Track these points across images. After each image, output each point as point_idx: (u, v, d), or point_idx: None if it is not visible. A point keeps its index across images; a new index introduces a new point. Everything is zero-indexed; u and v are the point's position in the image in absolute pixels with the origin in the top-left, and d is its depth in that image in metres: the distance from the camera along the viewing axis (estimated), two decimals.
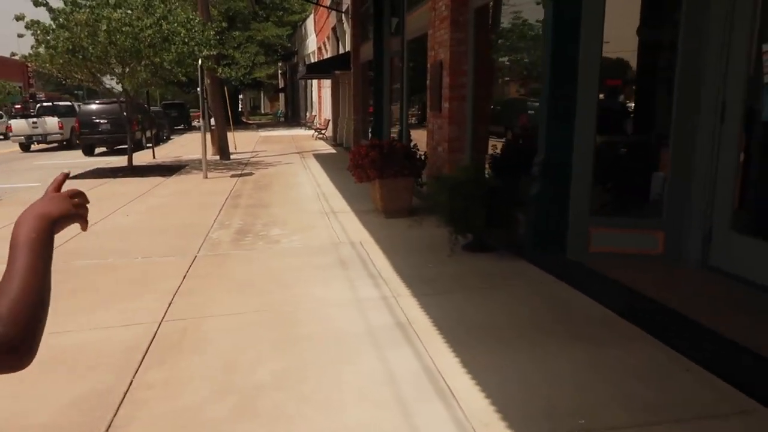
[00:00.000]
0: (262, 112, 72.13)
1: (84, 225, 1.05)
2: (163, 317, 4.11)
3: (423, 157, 7.55)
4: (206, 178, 12.08)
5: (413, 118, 11.32)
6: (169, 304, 4.38)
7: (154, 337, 3.76)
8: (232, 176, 12.44)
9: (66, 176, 1.06)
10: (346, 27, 19.49)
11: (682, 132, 4.88)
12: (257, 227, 7.20)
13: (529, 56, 6.80)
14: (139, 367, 3.35)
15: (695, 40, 4.69)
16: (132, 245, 6.40)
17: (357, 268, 5.22)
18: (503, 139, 7.79)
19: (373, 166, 7.24)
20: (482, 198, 5.18)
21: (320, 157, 16.33)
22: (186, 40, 12.66)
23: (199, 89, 14.01)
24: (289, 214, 7.94)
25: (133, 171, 13.10)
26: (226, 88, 18.94)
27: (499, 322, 3.83)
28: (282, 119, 47.48)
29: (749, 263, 4.38)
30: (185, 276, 5.14)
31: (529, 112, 7.76)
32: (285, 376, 3.17)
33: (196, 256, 5.84)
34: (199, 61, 12.56)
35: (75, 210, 1.01)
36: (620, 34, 5.74)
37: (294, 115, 42.78)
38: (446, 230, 5.62)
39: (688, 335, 3.57)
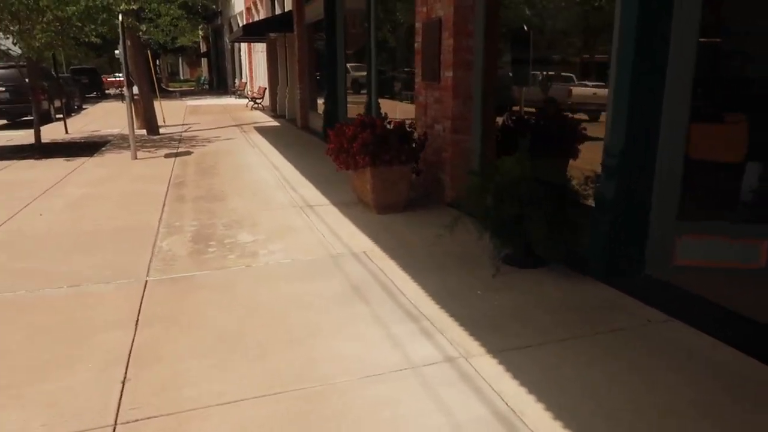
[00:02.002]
0: (182, 78, 67.49)
1: None
2: (116, 416, 2.58)
3: (423, 140, 6.16)
4: (136, 159, 10.14)
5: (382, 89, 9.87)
6: (123, 385, 2.84)
7: None
8: (167, 156, 10.55)
9: None
10: None
11: None
12: (218, 230, 5.61)
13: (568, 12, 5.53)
14: None
15: None
16: (50, 263, 4.69)
17: (382, 300, 3.82)
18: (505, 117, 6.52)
19: (364, 151, 5.78)
20: (545, 201, 3.90)
21: (264, 131, 14.53)
22: None
23: (117, 51, 11.88)
24: (254, 210, 6.37)
25: (42, 150, 10.91)
26: (149, 52, 16.56)
27: (660, 406, 2.58)
28: (206, 86, 44.16)
29: None
30: (137, 321, 3.57)
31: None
32: None
33: (146, 282, 4.25)
34: (119, 17, 10.43)
35: None
36: None
37: (220, 83, 39.80)
38: (473, 234, 4.34)
39: None
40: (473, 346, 3.13)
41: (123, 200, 6.98)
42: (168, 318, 3.61)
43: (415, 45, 6.97)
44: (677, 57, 3.82)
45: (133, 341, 3.29)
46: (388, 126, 6.01)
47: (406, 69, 9.44)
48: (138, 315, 3.65)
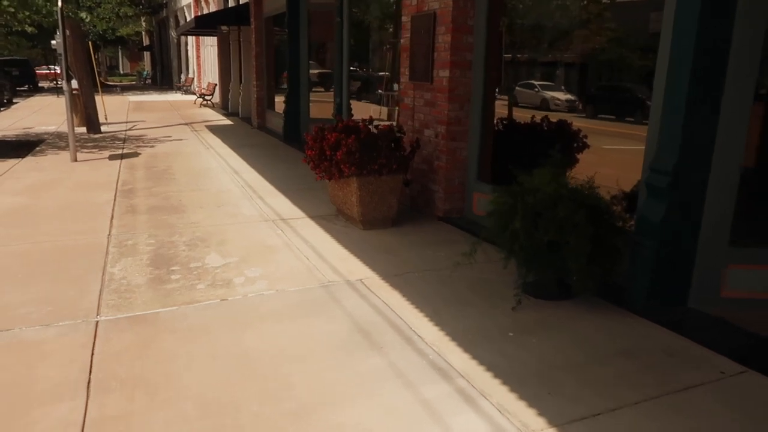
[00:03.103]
0: (122, 72, 64.43)
1: None
2: None
3: (415, 146, 5.49)
4: (76, 161, 9.05)
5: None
6: None
7: None
8: (112, 158, 9.49)
9: None
10: None
11: None
12: (181, 250, 4.79)
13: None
14: None
15: None
16: None
17: (398, 346, 3.14)
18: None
19: (349, 159, 5.08)
20: (587, 225, 3.31)
21: (218, 130, 13.54)
22: None
23: (54, 42, 10.71)
24: (220, 225, 5.55)
25: None
26: (90, 43, 15.22)
27: None
28: (149, 81, 42.10)
29: None
30: (89, 383, 2.76)
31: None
32: None
33: (97, 323, 3.42)
34: (59, 3, 9.31)
35: None
36: None
37: (165, 78, 37.96)
38: (489, 255, 3.73)
39: None
40: (529, 416, 2.50)
41: (64, 212, 6.01)
42: (130, 379, 2.81)
43: (401, 41, 6.31)
44: (739, 56, 3.32)
45: (84, 418, 2.49)
46: (374, 130, 5.33)
47: (377, 67, 8.80)
48: (90, 374, 2.84)
